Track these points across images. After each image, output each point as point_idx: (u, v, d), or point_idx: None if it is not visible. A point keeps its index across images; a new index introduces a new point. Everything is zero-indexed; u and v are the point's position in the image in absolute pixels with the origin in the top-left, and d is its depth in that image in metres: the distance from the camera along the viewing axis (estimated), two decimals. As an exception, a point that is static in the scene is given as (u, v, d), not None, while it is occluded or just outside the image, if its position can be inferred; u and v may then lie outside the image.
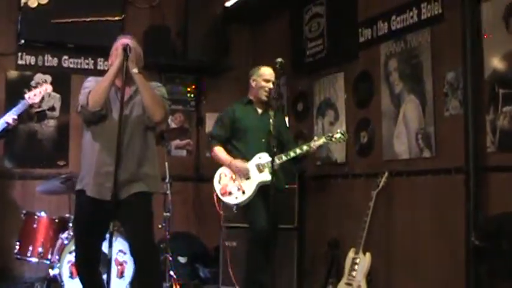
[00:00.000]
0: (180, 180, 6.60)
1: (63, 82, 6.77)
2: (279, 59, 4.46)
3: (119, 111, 3.81)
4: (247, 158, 5.20)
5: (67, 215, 5.52)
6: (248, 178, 5.12)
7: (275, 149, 4.64)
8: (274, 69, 5.05)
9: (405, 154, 5.30)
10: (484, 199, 4.53)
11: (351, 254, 5.32)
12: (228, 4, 7.03)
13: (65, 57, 6.87)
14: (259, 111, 5.39)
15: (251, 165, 5.15)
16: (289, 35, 7.01)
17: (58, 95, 6.77)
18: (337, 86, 6.23)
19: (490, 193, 4.51)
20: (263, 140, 5.20)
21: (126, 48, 3.87)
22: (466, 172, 4.60)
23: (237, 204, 5.15)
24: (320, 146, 5.24)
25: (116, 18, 6.78)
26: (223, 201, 5.27)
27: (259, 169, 5.12)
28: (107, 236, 3.74)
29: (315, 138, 5.33)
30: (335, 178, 6.12)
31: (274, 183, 4.47)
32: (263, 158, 5.15)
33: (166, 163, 5.81)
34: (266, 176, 5.03)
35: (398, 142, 5.39)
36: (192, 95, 7.45)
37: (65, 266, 5.20)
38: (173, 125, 7.31)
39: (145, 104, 3.95)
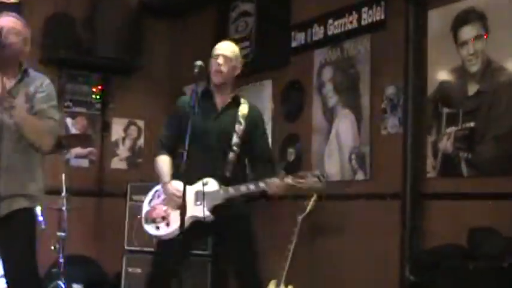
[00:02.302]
0: (79, 194, 6.44)
1: None
2: (199, 62, 4.06)
3: None
4: (192, 175, 4.11)
5: None
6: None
7: (229, 172, 4.14)
8: (194, 74, 4.14)
9: (337, 175, 5.32)
10: (421, 229, 4.58)
11: (271, 286, 5.25)
12: (145, -6, 6.93)
13: None
14: (219, 107, 4.32)
15: (191, 190, 4.14)
16: (213, 34, 6.96)
17: None
18: (263, 95, 6.21)
19: (428, 222, 4.57)
20: (217, 153, 4.25)
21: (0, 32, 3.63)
22: (402, 198, 4.65)
23: (157, 237, 4.33)
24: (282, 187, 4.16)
25: (12, 0, 6.53)
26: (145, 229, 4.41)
27: (196, 199, 4.16)
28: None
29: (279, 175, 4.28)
30: (256, 199, 6.03)
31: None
32: (209, 185, 4.18)
33: (63, 174, 5.64)
34: (199, 212, 4.11)
35: (329, 162, 5.40)
36: (98, 97, 7.28)
37: None
38: (74, 130, 7.14)
39: (27, 139, 3.70)
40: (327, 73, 5.49)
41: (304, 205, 5.31)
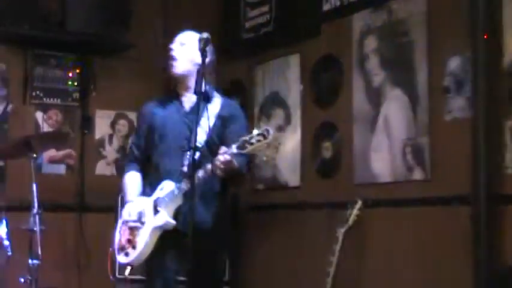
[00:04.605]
0: (55, 210, 6.50)
1: None
2: (205, 35, 4.29)
3: None
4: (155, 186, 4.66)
5: None
6: (143, 223, 4.55)
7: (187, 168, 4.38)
8: (199, 49, 4.45)
9: (387, 175, 5.36)
10: (500, 242, 4.55)
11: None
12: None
13: None
14: (187, 105, 4.68)
15: (149, 202, 4.57)
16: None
17: None
18: (289, 74, 6.27)
19: (509, 233, 4.53)
20: (187, 154, 4.50)
21: None
22: (473, 203, 4.63)
23: (128, 265, 4.62)
24: (232, 158, 4.33)
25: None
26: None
27: (155, 208, 4.52)
28: None
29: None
30: (284, 209, 6.11)
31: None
32: (165, 188, 4.55)
33: (34, 184, 5.63)
34: (160, 219, 4.48)
35: (376, 158, 5.43)
36: (75, 84, 7.29)
37: None
38: (46, 128, 7.14)
39: None
40: (371, 43, 5.52)
41: (346, 215, 5.31)
